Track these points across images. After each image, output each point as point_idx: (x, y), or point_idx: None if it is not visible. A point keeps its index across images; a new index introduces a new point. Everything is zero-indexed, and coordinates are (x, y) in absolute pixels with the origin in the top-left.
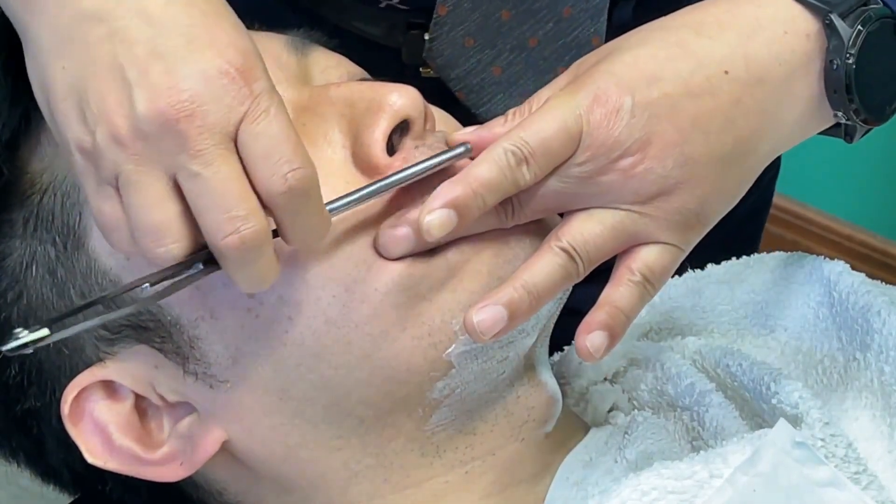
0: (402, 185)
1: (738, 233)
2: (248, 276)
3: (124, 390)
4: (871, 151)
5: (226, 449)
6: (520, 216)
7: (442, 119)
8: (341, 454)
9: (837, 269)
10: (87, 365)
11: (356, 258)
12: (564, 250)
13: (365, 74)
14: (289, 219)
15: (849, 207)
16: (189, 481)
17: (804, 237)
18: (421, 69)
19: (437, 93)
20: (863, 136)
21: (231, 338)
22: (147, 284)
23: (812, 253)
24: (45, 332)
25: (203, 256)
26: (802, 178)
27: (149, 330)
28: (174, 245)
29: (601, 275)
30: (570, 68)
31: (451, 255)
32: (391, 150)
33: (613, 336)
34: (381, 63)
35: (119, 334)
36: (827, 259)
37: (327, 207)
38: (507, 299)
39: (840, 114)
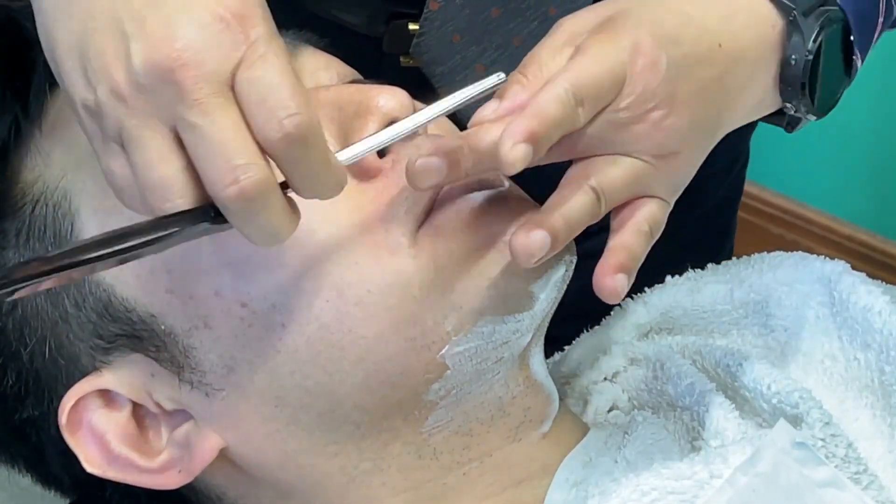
0: (415, 128)
1: (711, 222)
2: (257, 228)
3: (121, 399)
4: (871, 152)
5: (224, 455)
6: (548, 156)
7: (435, 123)
8: (338, 459)
9: (837, 269)
10: (84, 374)
11: (348, 261)
12: (594, 189)
13: (356, 75)
14: (291, 168)
15: (849, 207)
16: (188, 486)
17: (804, 237)
18: (401, 58)
19: (418, 83)
20: (802, 126)
21: (225, 347)
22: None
23: (812, 253)
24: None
25: (208, 211)
26: (803, 178)
27: (143, 339)
28: (180, 201)
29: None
30: (584, 22)
31: (440, 256)
32: (382, 152)
33: (630, 278)
34: (360, 52)
35: (114, 343)
36: (827, 259)
37: (341, 159)
38: (549, 225)
39: (790, 105)
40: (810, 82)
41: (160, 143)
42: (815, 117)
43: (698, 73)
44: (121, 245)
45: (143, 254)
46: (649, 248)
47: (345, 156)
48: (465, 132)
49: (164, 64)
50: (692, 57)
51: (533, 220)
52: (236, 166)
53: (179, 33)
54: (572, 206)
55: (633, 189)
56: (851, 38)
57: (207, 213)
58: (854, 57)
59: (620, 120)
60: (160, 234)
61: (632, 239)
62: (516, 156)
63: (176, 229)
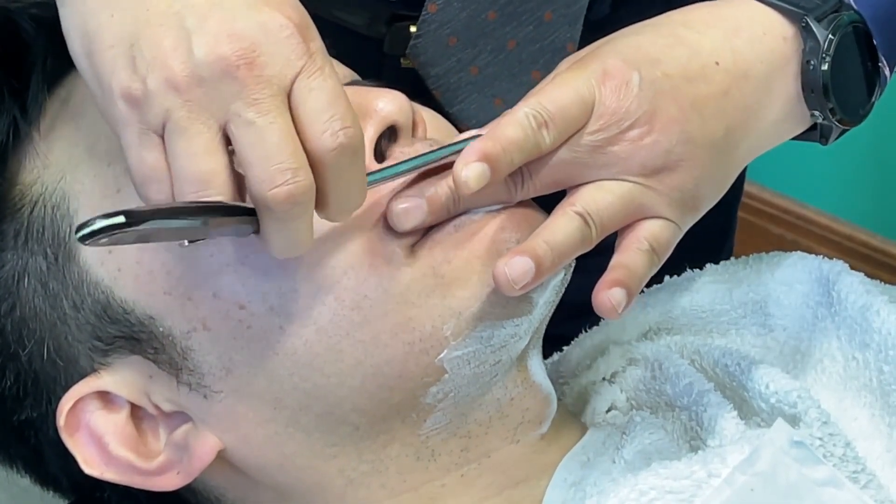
0: (434, 164)
1: (710, 222)
2: (287, 235)
3: (120, 400)
4: (871, 151)
5: (222, 457)
6: (529, 188)
7: (434, 124)
8: (337, 461)
9: (837, 269)
10: (82, 376)
11: (345, 265)
12: (579, 214)
13: (355, 76)
14: (334, 179)
15: (849, 207)
16: (187, 488)
17: (804, 237)
18: (402, 59)
19: (418, 84)
20: (837, 137)
21: (223, 349)
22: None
23: (812, 253)
24: (121, 218)
25: (241, 211)
26: (803, 178)
27: (141, 341)
28: (217, 197)
29: (592, 272)
30: (562, 62)
31: (439, 265)
32: (381, 156)
33: (630, 295)
34: (362, 53)
35: (112, 345)
36: (826, 259)
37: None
38: (532, 253)
39: (817, 113)
40: (833, 87)
41: (209, 136)
42: (846, 126)
43: (689, 91)
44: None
45: (181, 227)
46: (656, 266)
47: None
48: (444, 174)
49: (230, 59)
50: (677, 76)
51: (515, 249)
52: (288, 168)
53: (247, 33)
54: (556, 231)
55: (628, 211)
56: (874, 42)
57: (237, 212)
58: (880, 64)
59: (596, 142)
60: (205, 216)
61: (630, 257)
62: (468, 174)
63: (221, 215)
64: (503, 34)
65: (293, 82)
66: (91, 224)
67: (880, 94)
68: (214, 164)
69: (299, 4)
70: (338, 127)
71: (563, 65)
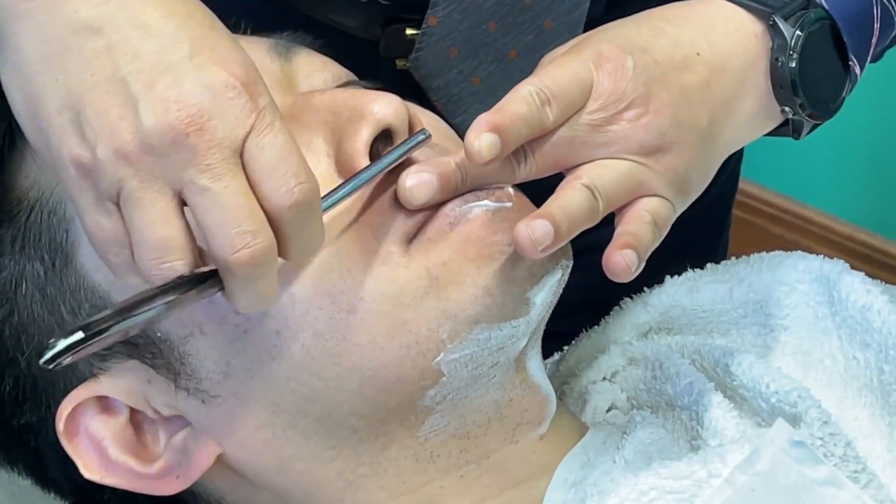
0: (375, 177)
1: (706, 219)
2: (251, 294)
3: (118, 405)
4: (871, 151)
5: (221, 461)
6: (531, 167)
7: (431, 125)
8: (335, 464)
9: (837, 269)
10: (81, 380)
11: (342, 268)
12: (587, 187)
13: (351, 76)
14: (294, 233)
15: (849, 207)
16: (187, 492)
17: (804, 237)
18: (397, 61)
19: (414, 85)
20: (810, 132)
21: (221, 354)
22: (161, 302)
23: (812, 253)
24: (79, 335)
25: (203, 276)
26: (803, 178)
27: (139, 346)
28: (179, 262)
29: (590, 269)
30: (549, 54)
31: (434, 266)
32: (376, 159)
33: (640, 259)
34: (357, 55)
35: (110, 350)
36: (826, 258)
37: None
38: (550, 217)
39: (787, 109)
40: (802, 83)
41: (164, 204)
42: (817, 121)
43: (676, 78)
44: (134, 313)
45: (146, 319)
46: (657, 240)
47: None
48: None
49: (179, 127)
50: (665, 64)
51: (533, 214)
52: (246, 231)
53: (193, 98)
54: (570, 201)
55: (630, 188)
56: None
57: (200, 278)
58: (850, 62)
59: (595, 121)
60: (167, 298)
61: (634, 226)
62: (481, 144)
63: (186, 290)
64: (504, 44)
65: (244, 141)
66: (52, 347)
67: (851, 90)
68: (172, 231)
69: (247, 57)
70: (292, 183)
71: (554, 54)
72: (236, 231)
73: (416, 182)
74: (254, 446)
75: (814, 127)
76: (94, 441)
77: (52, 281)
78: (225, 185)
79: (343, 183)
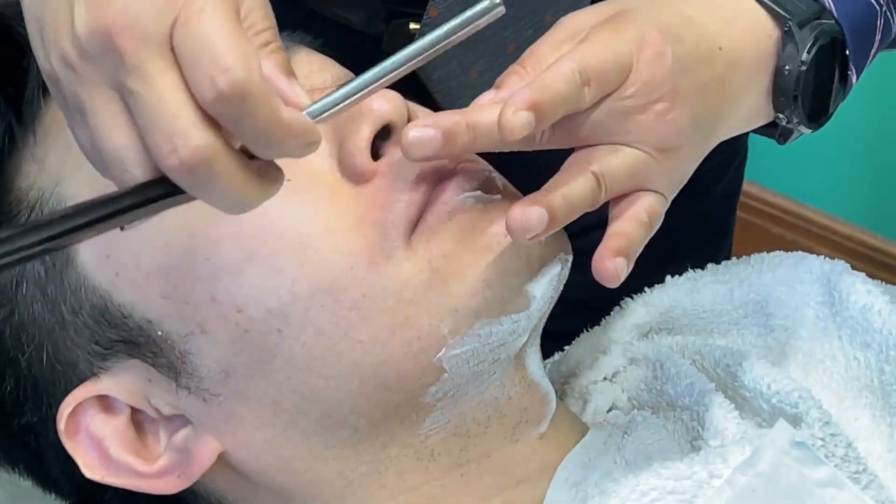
0: (384, 79)
1: (710, 220)
2: (216, 198)
3: (119, 404)
4: (870, 151)
5: (222, 460)
6: (550, 139)
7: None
8: (336, 463)
9: (837, 269)
10: (82, 380)
11: (343, 265)
12: (595, 174)
13: (351, 76)
14: (237, 129)
15: (849, 207)
16: (188, 490)
17: (804, 237)
18: None
19: (416, 82)
20: (794, 139)
21: (222, 352)
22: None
23: (812, 253)
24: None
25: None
26: (803, 178)
27: (140, 345)
28: (137, 170)
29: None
30: (572, 14)
31: (435, 258)
32: (377, 155)
33: (629, 262)
34: (360, 50)
35: (111, 349)
36: (827, 259)
37: (308, 112)
38: (549, 205)
39: (781, 116)
40: (803, 96)
41: (111, 110)
42: (807, 130)
43: (700, 72)
44: (84, 219)
45: (106, 228)
46: (646, 241)
47: (314, 110)
48: (463, 110)
49: (104, 29)
50: (693, 55)
51: (531, 198)
52: (174, 133)
53: None
54: (573, 187)
55: (634, 180)
56: (847, 52)
57: (168, 183)
58: (849, 72)
59: (625, 107)
60: (117, 207)
61: (630, 227)
62: (518, 121)
63: (135, 200)
64: (503, 38)
65: (171, 33)
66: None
67: (842, 101)
68: (124, 139)
69: None
70: (215, 73)
71: (580, 20)
72: (163, 133)
73: (421, 136)
74: (255, 445)
75: (800, 134)
76: (95, 440)
77: (52, 281)
78: (150, 85)
79: (350, 80)
